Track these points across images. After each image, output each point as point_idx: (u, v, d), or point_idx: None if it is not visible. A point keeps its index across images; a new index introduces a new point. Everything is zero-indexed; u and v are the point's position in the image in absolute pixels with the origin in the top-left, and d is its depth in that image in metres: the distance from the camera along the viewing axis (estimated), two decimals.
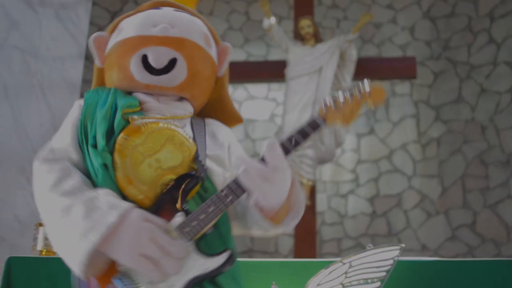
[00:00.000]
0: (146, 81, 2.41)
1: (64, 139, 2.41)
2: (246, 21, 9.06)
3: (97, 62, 2.55)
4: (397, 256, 3.08)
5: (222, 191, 2.17)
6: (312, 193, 7.31)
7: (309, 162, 7.26)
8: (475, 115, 8.31)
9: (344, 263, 3.13)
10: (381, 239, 8.15)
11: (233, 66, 7.95)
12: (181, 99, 2.48)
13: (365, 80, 2.41)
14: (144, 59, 2.41)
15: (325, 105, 2.24)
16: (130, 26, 2.50)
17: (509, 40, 8.29)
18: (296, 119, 7.33)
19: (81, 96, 7.43)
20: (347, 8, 9.13)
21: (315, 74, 7.54)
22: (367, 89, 2.39)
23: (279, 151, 2.13)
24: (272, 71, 7.96)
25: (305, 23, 7.73)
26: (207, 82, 2.51)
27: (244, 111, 8.70)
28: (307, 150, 7.25)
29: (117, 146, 2.31)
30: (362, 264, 3.12)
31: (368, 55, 8.75)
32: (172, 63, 2.40)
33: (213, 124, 2.56)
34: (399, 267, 3.04)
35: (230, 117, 2.66)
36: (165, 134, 2.34)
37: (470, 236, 7.96)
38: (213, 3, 9.14)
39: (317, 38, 7.82)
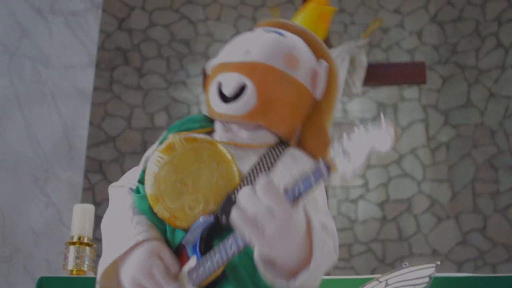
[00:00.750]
0: (219, 109, 2.36)
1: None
2: (253, 27, 8.95)
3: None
4: (433, 273, 3.08)
5: (228, 239, 2.02)
6: None
7: None
8: (484, 120, 8.30)
9: (380, 282, 3.13)
10: (392, 244, 8.15)
11: None
12: (259, 127, 2.37)
13: (384, 125, 1.86)
14: (219, 87, 2.36)
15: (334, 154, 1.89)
16: (220, 52, 2.48)
17: None
18: None
19: (92, 104, 7.43)
20: (354, 13, 9.11)
21: None
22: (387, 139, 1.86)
23: (276, 190, 1.84)
24: None
25: None
26: (289, 108, 2.35)
27: None
28: None
29: (149, 164, 2.36)
30: (398, 282, 3.12)
31: (376, 59, 8.71)
32: (241, 90, 2.32)
33: (290, 155, 2.36)
34: (435, 284, 3.04)
35: (325, 147, 2.32)
36: (198, 150, 2.31)
37: (481, 240, 7.96)
38: (220, 9, 9.11)
39: (327, 44, 7.81)
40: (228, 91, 2.33)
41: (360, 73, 7.70)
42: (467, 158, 8.27)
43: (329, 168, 1.89)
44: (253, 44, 2.39)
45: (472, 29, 8.67)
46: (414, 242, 8.16)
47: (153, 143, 7.97)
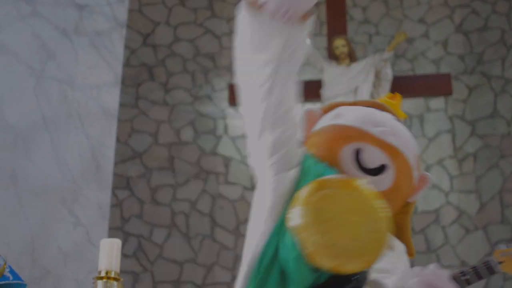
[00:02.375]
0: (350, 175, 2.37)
1: None
2: None
3: (301, 135, 2.49)
4: None
5: None
6: None
7: None
8: (511, 130, 8.27)
9: None
10: (420, 256, 8.10)
11: None
12: None
13: None
14: (356, 153, 2.39)
15: (504, 251, 2.10)
16: (351, 115, 2.45)
17: None
18: None
19: (119, 121, 7.47)
20: (379, 23, 9.10)
21: (351, 94, 7.54)
22: None
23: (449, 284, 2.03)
24: (309, 91, 7.92)
25: (339, 42, 7.74)
26: (400, 201, 2.45)
27: None
28: None
29: None
30: None
31: (401, 70, 8.72)
32: (382, 168, 2.35)
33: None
34: None
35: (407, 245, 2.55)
36: None
37: None
38: None
39: (352, 57, 7.82)
40: (369, 162, 2.36)
41: (385, 86, 7.71)
42: (494, 168, 8.22)
43: (498, 263, 2.09)
44: (393, 128, 2.45)
45: (498, 38, 8.63)
46: (442, 253, 8.13)
47: (179, 158, 8.11)
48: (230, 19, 9.04)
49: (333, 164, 2.32)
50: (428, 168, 8.42)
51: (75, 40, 7.03)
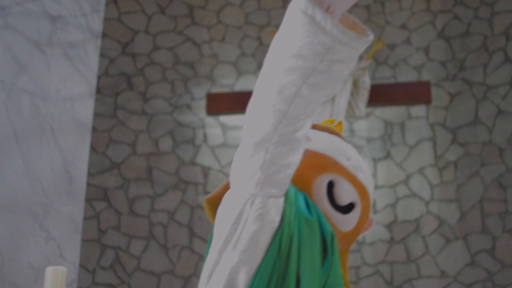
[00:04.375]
0: (324, 209, 2.26)
1: None
2: (258, 46, 8.97)
3: None
4: None
5: None
6: None
7: None
8: (493, 137, 8.20)
9: None
10: (400, 266, 8.09)
11: (243, 96, 7.89)
12: None
13: None
14: (329, 186, 2.28)
15: None
16: (321, 141, 2.37)
17: None
18: None
19: (96, 131, 7.40)
20: None
21: (328, 103, 7.47)
22: None
23: None
24: None
25: None
26: (353, 241, 2.40)
27: None
28: None
29: None
30: None
31: (382, 77, 8.66)
32: (351, 207, 2.28)
33: None
34: None
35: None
36: None
37: (489, 261, 7.86)
38: (224, 30, 9.07)
39: None
40: (341, 199, 2.28)
41: (364, 95, 7.64)
42: (475, 177, 8.17)
43: None
44: (361, 164, 2.39)
45: (480, 44, 8.57)
46: (423, 263, 8.07)
47: (158, 168, 8.06)
48: (211, 27, 9.01)
49: (308, 192, 2.24)
50: (408, 177, 8.39)
51: (48, 52, 6.96)
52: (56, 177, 6.77)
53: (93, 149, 8.25)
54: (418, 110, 8.55)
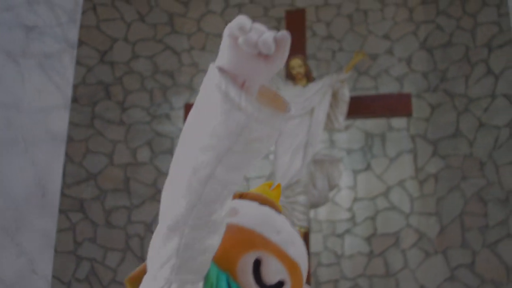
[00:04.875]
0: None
1: None
2: None
3: None
4: None
5: None
6: (305, 240, 7.13)
7: (301, 209, 7.09)
8: (474, 150, 8.12)
9: None
10: (379, 280, 8.01)
11: None
12: None
13: None
14: (256, 263, 2.13)
15: None
16: (249, 214, 2.19)
17: (508, 72, 8.08)
18: (288, 163, 7.17)
19: (73, 141, 7.29)
20: (343, 39, 8.95)
21: (307, 115, 7.38)
22: None
23: None
24: None
25: (295, 63, 7.55)
26: None
27: None
28: (299, 196, 7.08)
29: None
30: None
31: (364, 87, 8.61)
32: (279, 285, 2.13)
33: None
34: None
35: None
36: None
37: (469, 276, 7.78)
38: (205, 38, 9.00)
39: (309, 78, 7.64)
40: (268, 278, 2.12)
41: (343, 108, 7.54)
42: (455, 190, 8.09)
43: None
44: (292, 237, 2.22)
45: (462, 54, 8.50)
46: (402, 277, 8.00)
47: (135, 179, 7.99)
48: (191, 35, 8.91)
49: (232, 272, 2.09)
50: (388, 189, 8.32)
51: (22, 63, 6.87)
52: (29, 190, 6.68)
53: (69, 159, 8.17)
54: (399, 121, 8.49)
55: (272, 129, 1.68)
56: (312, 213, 8.09)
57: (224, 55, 1.67)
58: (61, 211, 8.09)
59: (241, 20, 1.59)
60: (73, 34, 7.34)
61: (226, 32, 1.64)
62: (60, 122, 7.08)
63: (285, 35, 1.55)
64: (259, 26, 1.59)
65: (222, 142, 1.68)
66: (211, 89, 1.67)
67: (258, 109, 1.65)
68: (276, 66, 1.64)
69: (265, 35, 1.57)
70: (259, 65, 1.65)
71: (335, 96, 7.53)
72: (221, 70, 1.67)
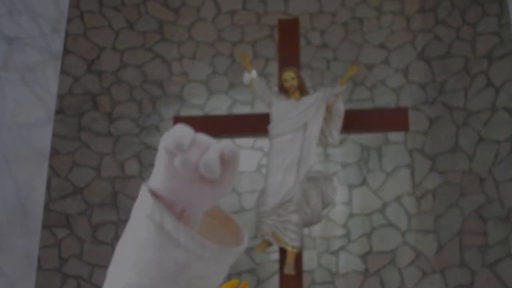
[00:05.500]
0: None
1: None
2: (231, 64, 8.66)
3: None
4: None
5: None
6: (298, 260, 6.89)
7: (294, 229, 6.84)
8: (473, 166, 7.90)
9: None
10: None
11: (213, 120, 7.56)
12: None
13: None
14: None
15: None
16: None
17: (509, 84, 7.87)
18: (280, 181, 6.93)
19: (59, 154, 7.07)
20: (338, 48, 8.71)
21: (300, 130, 7.13)
22: None
23: None
24: (257, 126, 7.52)
25: (288, 75, 7.29)
26: None
27: None
28: (292, 215, 6.84)
29: None
30: None
31: (359, 99, 8.40)
32: None
33: None
34: None
35: None
36: None
37: None
38: (195, 46, 8.76)
39: (302, 91, 7.38)
40: None
41: (337, 123, 7.28)
42: (454, 207, 7.88)
43: None
44: None
45: (461, 66, 8.27)
46: None
47: (123, 193, 7.79)
48: (181, 43, 8.71)
49: None
50: (385, 205, 8.11)
51: (3, 76, 6.66)
52: (10, 209, 6.48)
53: (55, 173, 7.98)
54: (396, 135, 8.28)
55: (220, 266, 1.33)
56: (305, 229, 7.84)
57: (159, 175, 1.29)
58: (46, 226, 7.91)
59: (178, 133, 1.21)
60: (57, 44, 7.14)
61: (161, 145, 1.27)
62: (43, 137, 6.86)
63: (233, 153, 1.17)
64: (201, 141, 1.20)
65: (157, 284, 1.32)
66: (142, 219, 1.30)
67: (201, 245, 1.28)
68: (224, 190, 1.26)
69: (208, 154, 1.19)
70: (203, 190, 1.27)
71: (329, 110, 7.28)
72: (154, 194, 1.32)
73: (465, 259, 7.70)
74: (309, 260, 7.95)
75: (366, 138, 8.28)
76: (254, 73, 7.29)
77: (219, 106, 8.49)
